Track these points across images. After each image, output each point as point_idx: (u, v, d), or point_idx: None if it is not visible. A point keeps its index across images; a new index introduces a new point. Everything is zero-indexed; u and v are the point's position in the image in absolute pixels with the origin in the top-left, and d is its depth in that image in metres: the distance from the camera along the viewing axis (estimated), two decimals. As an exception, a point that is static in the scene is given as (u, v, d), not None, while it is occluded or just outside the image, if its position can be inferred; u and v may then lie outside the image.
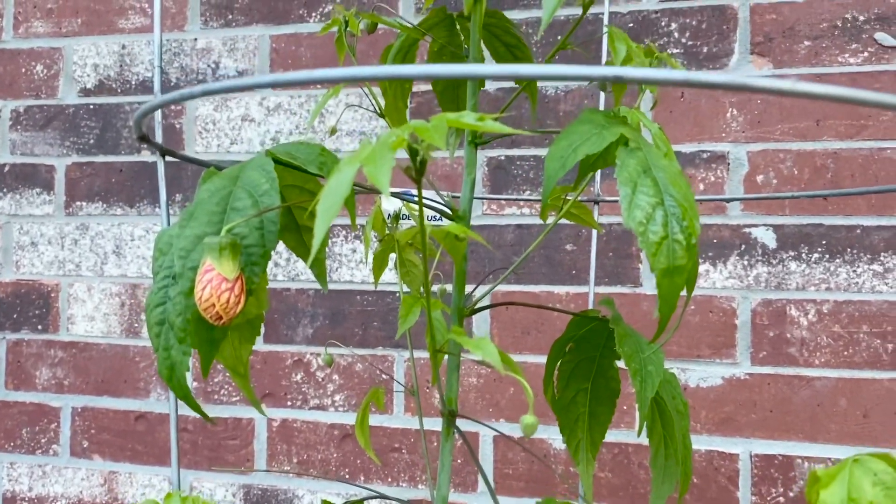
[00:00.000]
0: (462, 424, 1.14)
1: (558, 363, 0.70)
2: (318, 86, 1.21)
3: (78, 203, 1.30)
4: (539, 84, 1.10)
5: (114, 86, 1.29)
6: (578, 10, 1.09)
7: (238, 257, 0.45)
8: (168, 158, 0.57)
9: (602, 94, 0.88)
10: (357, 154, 0.37)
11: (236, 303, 0.43)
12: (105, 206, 1.29)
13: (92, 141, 1.29)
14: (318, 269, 0.60)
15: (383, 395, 0.69)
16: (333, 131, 0.57)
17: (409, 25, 0.60)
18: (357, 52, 1.05)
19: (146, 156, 1.27)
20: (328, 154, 0.53)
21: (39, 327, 1.30)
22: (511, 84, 1.11)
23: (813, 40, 1.05)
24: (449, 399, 0.57)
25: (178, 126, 1.26)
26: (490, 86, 1.13)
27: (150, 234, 1.27)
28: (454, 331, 0.50)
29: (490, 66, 0.37)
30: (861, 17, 1.03)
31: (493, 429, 0.68)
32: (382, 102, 0.66)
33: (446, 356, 0.61)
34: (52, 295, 1.30)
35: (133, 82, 1.28)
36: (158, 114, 0.55)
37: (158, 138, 0.56)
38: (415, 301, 0.67)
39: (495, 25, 0.65)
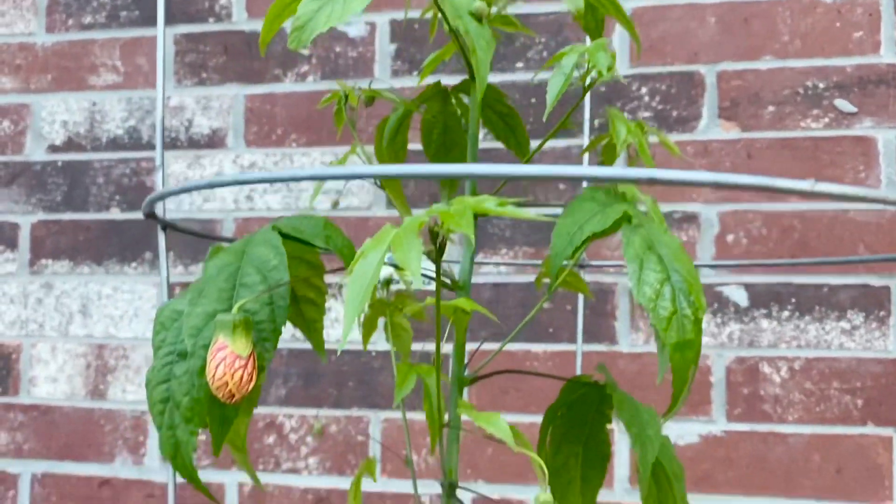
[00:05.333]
0: (437, 487, 1.13)
1: (550, 429, 0.70)
2: (294, 144, 1.22)
3: (43, 261, 1.27)
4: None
5: (83, 143, 1.27)
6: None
7: (251, 334, 0.44)
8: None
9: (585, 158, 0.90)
10: (380, 238, 0.38)
11: (249, 380, 0.43)
12: (72, 264, 1.26)
13: (59, 198, 1.27)
14: (317, 340, 0.60)
15: (375, 465, 0.68)
16: (335, 205, 0.58)
17: (406, 100, 0.61)
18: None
19: (115, 213, 1.26)
20: (332, 227, 0.53)
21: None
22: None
23: (777, 106, 1.09)
24: (449, 470, 0.56)
25: (149, 184, 1.25)
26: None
27: (118, 293, 1.24)
28: (462, 405, 0.50)
29: (499, 167, 0.37)
30: (821, 85, 1.08)
31: (488, 498, 0.67)
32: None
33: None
34: (14, 356, 1.26)
35: (104, 139, 1.27)
36: (158, 180, 0.55)
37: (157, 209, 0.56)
38: (409, 369, 0.67)
39: (487, 95, 0.66)
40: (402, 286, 0.79)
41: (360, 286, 0.36)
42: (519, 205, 0.40)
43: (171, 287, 1.24)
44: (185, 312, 0.47)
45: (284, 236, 0.51)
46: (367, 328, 0.74)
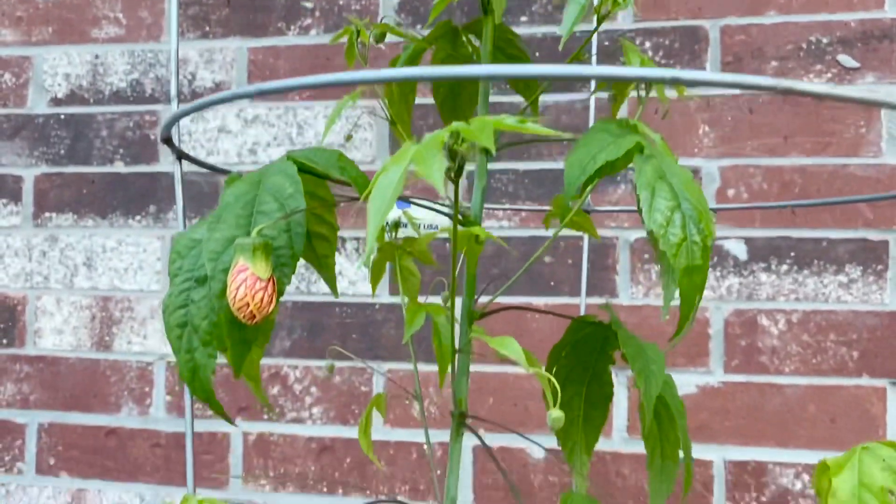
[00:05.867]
0: (438, 436, 1.15)
1: (554, 368, 0.72)
2: (297, 98, 1.22)
3: (47, 214, 1.27)
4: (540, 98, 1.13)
5: (86, 96, 1.27)
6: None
7: (270, 258, 0.45)
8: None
9: (591, 109, 0.90)
10: (402, 154, 0.38)
11: (269, 302, 0.44)
12: (76, 217, 1.26)
13: (62, 151, 1.27)
14: (329, 275, 0.61)
15: (385, 401, 0.70)
16: (349, 138, 0.58)
17: (417, 36, 0.61)
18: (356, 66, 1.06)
19: (119, 167, 1.26)
20: (346, 160, 0.54)
21: (4, 341, 1.27)
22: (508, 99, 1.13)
23: (780, 61, 1.09)
24: (459, 400, 0.58)
25: (153, 137, 1.25)
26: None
27: (123, 245, 1.25)
28: (476, 330, 0.51)
29: (540, 67, 0.38)
30: (825, 40, 1.08)
31: (514, 432, 0.69)
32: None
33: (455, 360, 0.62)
34: (19, 308, 1.27)
35: (106, 92, 1.26)
36: (166, 124, 0.55)
37: (168, 142, 0.57)
38: (419, 307, 0.68)
39: (499, 37, 0.66)
40: (410, 231, 0.80)
41: (383, 199, 0.37)
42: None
43: (174, 239, 1.25)
44: (205, 238, 0.48)
45: (299, 168, 0.52)
46: (376, 271, 0.75)
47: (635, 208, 1.08)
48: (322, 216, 0.59)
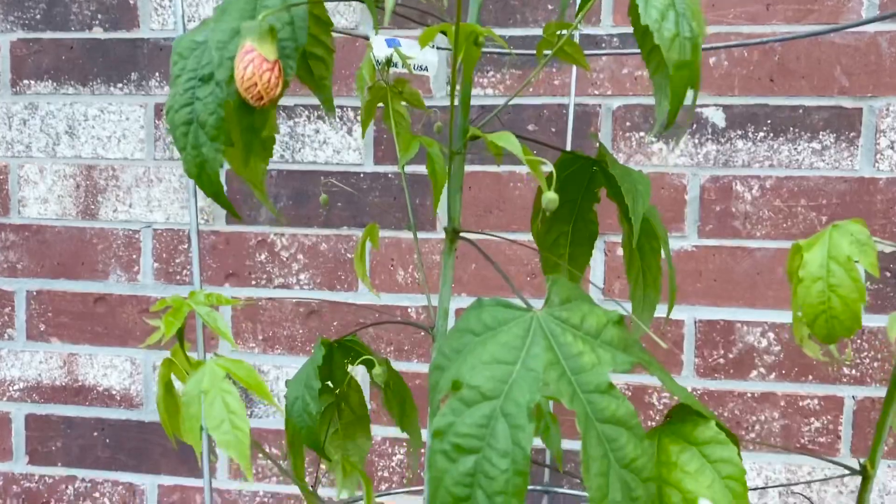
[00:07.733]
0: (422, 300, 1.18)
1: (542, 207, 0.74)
2: (279, -36, 1.20)
3: (25, 81, 1.26)
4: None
5: (61, -41, 1.24)
6: None
7: (275, 41, 0.46)
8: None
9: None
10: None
11: (276, 84, 0.45)
12: (55, 84, 1.25)
13: (38, 16, 1.25)
14: (325, 96, 0.62)
15: (377, 231, 0.72)
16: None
17: None
18: None
19: (98, 33, 1.24)
20: (346, -33, 0.54)
21: (-12, 210, 1.27)
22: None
23: (766, -73, 1.10)
24: (452, 217, 0.60)
25: (132, 2, 1.23)
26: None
27: (105, 113, 1.24)
28: (472, 130, 0.53)
29: None
30: None
31: (496, 236, 0.72)
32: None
33: (446, 184, 0.64)
34: (1, 177, 1.27)
35: (82, -45, 1.23)
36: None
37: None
38: (412, 138, 0.70)
39: None
40: (402, 69, 0.81)
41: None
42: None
43: (157, 107, 1.24)
44: (210, 29, 0.48)
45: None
46: (367, 113, 0.76)
47: (620, 51, 1.08)
48: (318, 37, 0.60)
